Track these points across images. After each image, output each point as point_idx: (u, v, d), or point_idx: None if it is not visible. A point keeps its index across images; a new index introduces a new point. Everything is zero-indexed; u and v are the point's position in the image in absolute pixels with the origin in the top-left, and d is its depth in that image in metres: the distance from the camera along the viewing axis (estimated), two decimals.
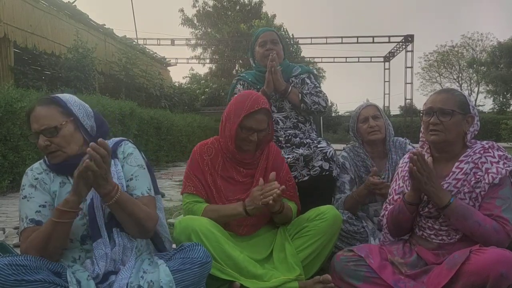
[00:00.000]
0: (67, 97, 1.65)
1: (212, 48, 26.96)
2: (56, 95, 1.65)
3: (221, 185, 2.07)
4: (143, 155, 1.76)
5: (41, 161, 1.69)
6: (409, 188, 1.82)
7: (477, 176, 1.71)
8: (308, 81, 2.88)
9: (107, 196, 1.47)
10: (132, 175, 1.65)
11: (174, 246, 1.83)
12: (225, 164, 2.10)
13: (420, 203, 1.80)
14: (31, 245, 1.47)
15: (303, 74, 2.90)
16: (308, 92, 2.78)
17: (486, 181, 1.69)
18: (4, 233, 2.94)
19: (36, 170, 1.65)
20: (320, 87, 2.88)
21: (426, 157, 1.83)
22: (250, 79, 2.88)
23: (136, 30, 27.32)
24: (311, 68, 3.11)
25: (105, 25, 12.29)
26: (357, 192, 2.41)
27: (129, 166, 1.66)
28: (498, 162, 1.71)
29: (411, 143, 2.55)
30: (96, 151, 1.39)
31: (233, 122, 2.01)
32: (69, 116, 1.61)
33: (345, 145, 2.72)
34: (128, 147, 1.71)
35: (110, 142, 1.70)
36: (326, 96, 2.81)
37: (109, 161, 1.44)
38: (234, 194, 2.06)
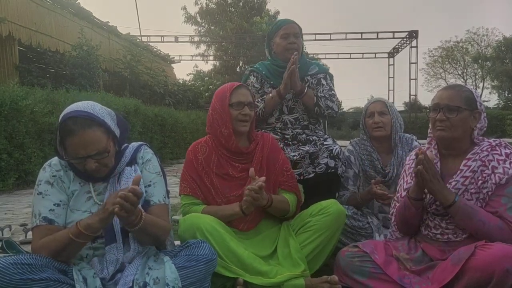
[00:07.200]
0: (99, 110, 1.58)
1: (216, 45, 26.90)
2: (85, 110, 1.54)
3: (217, 183, 2.07)
4: (158, 159, 1.78)
5: None
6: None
7: (484, 175, 1.70)
8: (324, 82, 2.78)
9: (131, 225, 1.47)
10: (150, 181, 1.68)
11: (178, 243, 1.84)
12: (220, 161, 2.09)
13: (425, 198, 1.79)
14: (43, 249, 1.47)
15: (320, 74, 2.80)
16: (323, 95, 2.69)
17: (493, 181, 1.68)
18: (10, 230, 2.96)
19: (54, 166, 1.62)
20: (334, 90, 2.79)
21: (431, 152, 1.82)
22: (264, 72, 2.78)
23: (140, 27, 27.39)
24: (327, 67, 3.02)
25: (109, 22, 12.32)
26: (361, 196, 2.43)
27: (147, 173, 1.69)
28: (505, 162, 1.69)
29: (417, 140, 2.55)
30: (127, 200, 1.36)
31: (223, 106, 2.06)
32: (109, 134, 1.58)
33: (351, 140, 2.71)
34: (147, 153, 1.74)
35: (131, 148, 1.71)
36: (338, 101, 2.75)
37: (138, 202, 1.41)
38: (231, 191, 2.06)
